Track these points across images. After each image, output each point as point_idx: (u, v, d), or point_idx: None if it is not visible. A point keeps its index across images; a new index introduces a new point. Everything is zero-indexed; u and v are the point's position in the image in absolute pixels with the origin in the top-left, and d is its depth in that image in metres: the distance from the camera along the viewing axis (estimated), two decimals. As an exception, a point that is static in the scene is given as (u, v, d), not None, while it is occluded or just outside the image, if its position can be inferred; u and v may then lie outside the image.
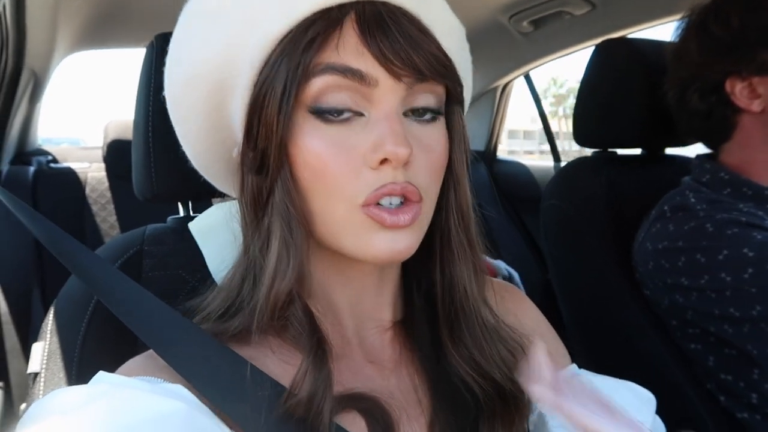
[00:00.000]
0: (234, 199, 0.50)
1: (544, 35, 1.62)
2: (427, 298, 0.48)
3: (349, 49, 0.40)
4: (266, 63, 0.42)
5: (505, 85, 2.08)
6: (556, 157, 2.01)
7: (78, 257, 0.49)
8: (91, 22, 1.54)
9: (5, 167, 1.73)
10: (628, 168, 1.02)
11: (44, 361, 0.55)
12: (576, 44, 1.62)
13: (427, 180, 0.42)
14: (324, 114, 0.41)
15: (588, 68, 1.03)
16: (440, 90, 0.44)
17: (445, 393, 0.45)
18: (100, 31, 1.63)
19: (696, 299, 0.77)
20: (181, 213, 0.68)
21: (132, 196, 0.64)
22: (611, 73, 1.00)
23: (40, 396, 0.54)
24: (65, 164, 1.97)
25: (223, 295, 0.45)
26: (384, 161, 0.39)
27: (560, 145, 2.09)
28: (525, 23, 1.58)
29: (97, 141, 2.11)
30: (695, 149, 0.97)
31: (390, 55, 0.40)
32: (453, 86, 0.45)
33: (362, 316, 0.48)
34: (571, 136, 1.07)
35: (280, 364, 0.42)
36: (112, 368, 0.42)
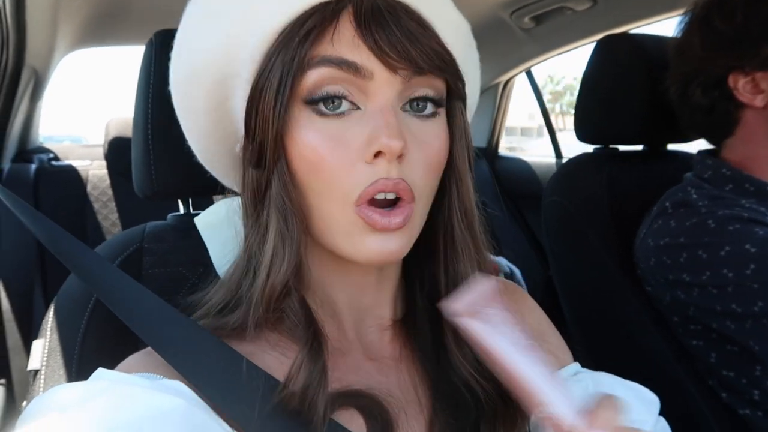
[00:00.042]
0: (236, 195, 0.51)
1: (546, 31, 1.62)
2: (430, 296, 0.48)
3: (344, 41, 0.40)
4: (265, 57, 0.42)
5: (507, 82, 2.08)
6: (558, 153, 2.01)
7: (77, 256, 0.49)
8: (91, 19, 1.54)
9: (7, 165, 1.73)
10: (630, 164, 1.02)
11: (44, 359, 0.55)
12: (578, 40, 1.61)
13: (422, 176, 0.42)
14: (319, 105, 0.41)
15: (589, 64, 1.03)
16: (439, 84, 0.43)
17: (445, 393, 0.45)
18: (101, 28, 1.63)
19: (698, 295, 0.76)
20: (182, 210, 0.68)
21: (133, 194, 0.64)
22: (613, 69, 0.99)
23: (41, 393, 0.54)
24: (67, 162, 1.97)
25: (224, 289, 0.45)
26: (378, 154, 0.39)
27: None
28: (526, 19, 1.58)
29: (98, 138, 2.11)
30: (697, 145, 0.97)
31: (386, 47, 0.40)
32: (453, 81, 0.44)
33: (362, 313, 0.48)
34: (567, 133, 1.06)
35: (278, 358, 0.43)
36: (111, 365, 0.42)
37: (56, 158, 2.05)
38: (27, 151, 1.99)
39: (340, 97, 0.41)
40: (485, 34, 1.66)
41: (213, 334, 0.42)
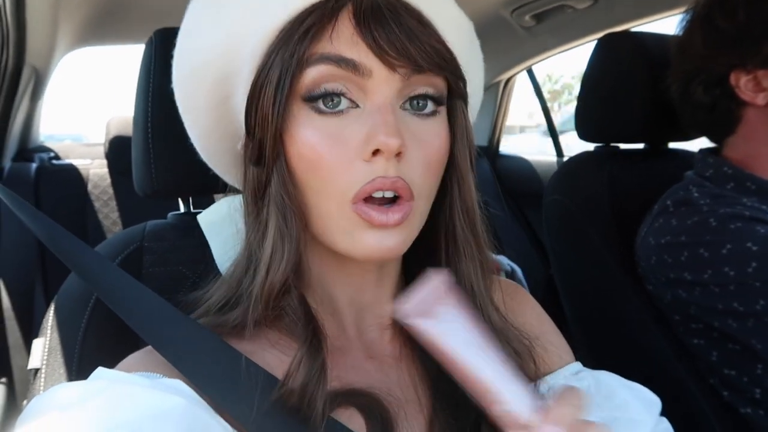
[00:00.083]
0: (238, 193, 0.51)
1: (547, 29, 1.61)
2: None
3: (343, 39, 0.40)
4: (266, 54, 0.42)
5: (508, 80, 2.08)
6: (559, 152, 2.01)
7: (77, 255, 0.49)
8: (91, 18, 1.54)
9: (7, 164, 1.73)
10: (631, 162, 1.02)
11: (45, 357, 0.55)
12: (579, 38, 1.61)
13: (421, 175, 0.41)
14: (318, 102, 0.41)
15: (590, 62, 1.03)
16: (439, 83, 0.43)
17: (445, 392, 0.45)
18: (101, 27, 1.63)
19: (699, 294, 0.76)
20: (182, 209, 0.68)
21: (134, 193, 0.64)
22: (614, 67, 0.99)
23: (41, 392, 0.54)
24: (67, 161, 1.97)
25: (225, 287, 0.45)
26: (376, 152, 0.39)
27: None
28: (527, 17, 1.57)
29: (99, 137, 2.11)
30: (698, 143, 0.97)
31: (384, 45, 0.39)
32: (454, 80, 0.44)
33: (362, 311, 0.48)
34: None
35: (278, 356, 0.43)
36: (112, 364, 0.42)
37: (57, 157, 2.05)
38: (28, 150, 1.99)
39: (339, 95, 0.41)
40: (486, 32, 1.65)
41: (213, 332, 0.42)
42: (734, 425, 0.78)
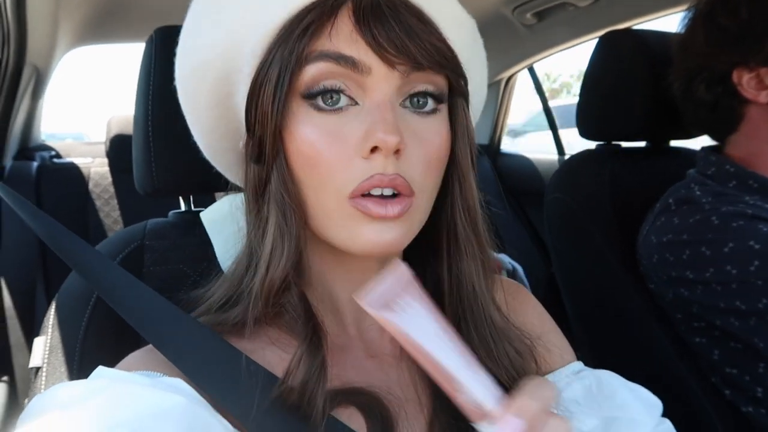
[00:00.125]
0: (239, 191, 0.51)
1: (548, 27, 1.61)
2: (433, 296, 0.47)
3: (342, 36, 0.40)
4: (266, 52, 0.42)
5: (509, 78, 2.07)
6: (561, 150, 2.00)
7: (78, 254, 0.49)
8: (92, 17, 1.54)
9: (9, 163, 1.74)
10: (632, 161, 1.02)
11: (46, 356, 0.55)
12: (580, 36, 1.61)
13: (421, 173, 0.41)
14: (317, 99, 0.41)
15: (592, 60, 1.03)
16: (440, 81, 0.43)
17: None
18: (102, 26, 1.63)
19: (701, 292, 0.76)
20: (183, 207, 0.68)
21: (135, 191, 0.64)
22: (615, 65, 0.99)
23: (42, 390, 0.54)
24: (68, 159, 1.97)
25: (226, 285, 0.45)
26: (375, 150, 0.39)
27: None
28: (528, 15, 1.57)
29: (100, 136, 2.11)
30: (700, 142, 0.97)
31: (384, 42, 0.39)
32: (454, 78, 0.44)
33: (362, 310, 0.47)
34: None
35: (278, 354, 0.42)
36: (113, 362, 0.42)
37: (58, 156, 2.05)
38: (29, 148, 1.99)
39: (338, 91, 0.41)
40: (487, 30, 1.64)
41: (213, 330, 0.42)
42: (736, 424, 0.77)
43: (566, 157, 1.94)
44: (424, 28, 0.41)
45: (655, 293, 0.85)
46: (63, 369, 0.54)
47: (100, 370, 0.39)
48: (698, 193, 0.81)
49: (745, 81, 0.78)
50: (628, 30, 1.04)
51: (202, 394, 0.39)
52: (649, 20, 1.39)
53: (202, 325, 0.42)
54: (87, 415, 0.33)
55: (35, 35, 1.36)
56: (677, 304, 0.81)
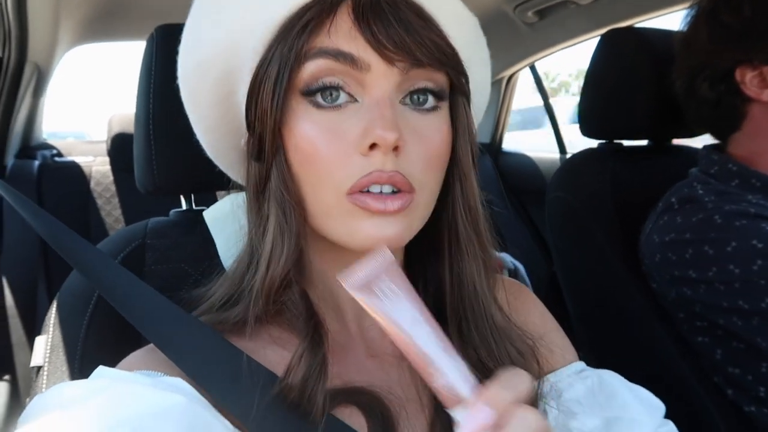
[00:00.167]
0: (240, 190, 0.51)
1: (550, 25, 1.61)
2: (435, 296, 0.47)
3: (341, 33, 0.40)
4: (266, 49, 0.42)
5: (511, 77, 2.07)
6: (562, 149, 2.00)
7: (79, 252, 0.49)
8: (93, 15, 1.54)
9: (10, 161, 1.74)
10: (634, 159, 1.01)
11: (47, 355, 0.55)
12: (582, 34, 1.60)
13: (421, 170, 0.41)
14: (316, 96, 0.40)
15: (594, 58, 1.02)
16: (440, 78, 0.43)
17: None
18: (103, 24, 1.63)
19: (704, 292, 0.76)
20: (184, 206, 0.68)
21: (137, 190, 0.64)
22: (618, 63, 0.98)
23: (43, 389, 0.54)
24: (70, 158, 1.97)
25: (227, 284, 0.45)
26: (373, 147, 0.39)
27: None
28: (530, 13, 1.57)
29: (102, 135, 2.11)
30: (702, 140, 0.96)
31: (383, 39, 0.39)
32: (455, 75, 0.44)
33: (364, 309, 0.47)
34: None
35: (280, 352, 0.42)
36: (114, 361, 0.42)
37: (59, 154, 2.05)
38: (30, 147, 1.99)
39: (337, 88, 0.40)
40: (488, 28, 1.63)
41: (214, 330, 0.42)
42: (738, 424, 0.77)
43: (568, 155, 1.94)
44: (424, 24, 0.41)
45: (657, 292, 0.85)
46: (64, 368, 0.54)
47: (101, 369, 0.39)
48: (701, 191, 0.81)
49: (748, 79, 0.78)
50: (631, 28, 1.04)
51: (202, 394, 0.39)
52: (652, 18, 1.38)
53: (203, 324, 0.42)
54: (87, 415, 0.33)
55: (36, 33, 1.36)
56: (680, 304, 0.81)
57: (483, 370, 0.44)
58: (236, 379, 0.39)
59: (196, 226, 0.62)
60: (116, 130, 1.93)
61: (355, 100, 0.41)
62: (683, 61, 0.85)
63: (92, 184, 1.87)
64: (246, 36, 0.43)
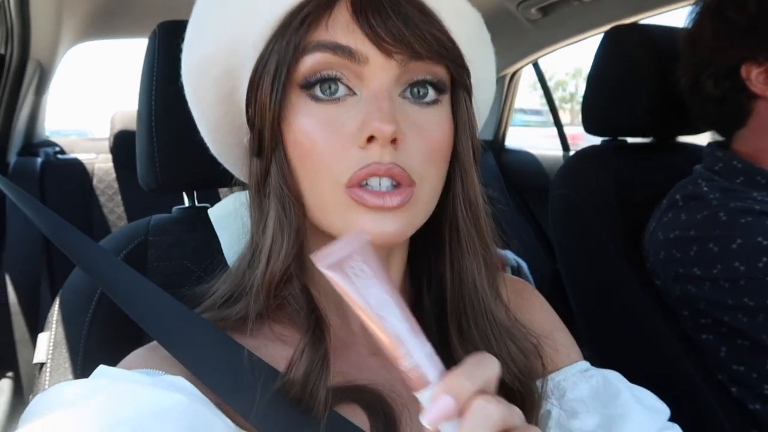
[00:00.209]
0: (242, 186, 0.51)
1: (553, 22, 1.60)
2: (436, 295, 0.47)
3: (339, 26, 0.40)
4: (266, 45, 0.42)
5: (514, 74, 2.06)
6: (565, 146, 1.99)
7: (82, 250, 0.49)
8: (95, 12, 1.54)
9: (13, 159, 1.74)
10: (638, 156, 1.01)
11: (50, 351, 0.55)
12: (585, 31, 1.59)
13: (421, 163, 0.41)
14: (315, 89, 0.40)
15: (597, 55, 1.02)
16: (440, 71, 0.42)
17: None
18: (105, 21, 1.63)
19: (709, 289, 0.76)
20: (186, 203, 0.67)
21: (139, 187, 0.64)
22: (621, 60, 0.98)
23: (46, 386, 0.54)
24: (72, 155, 1.97)
25: (230, 280, 0.45)
26: (371, 139, 0.39)
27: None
28: (533, 10, 1.56)
29: (104, 132, 2.11)
30: (706, 138, 0.96)
31: (381, 31, 0.39)
32: (455, 69, 0.43)
33: None
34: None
35: (283, 349, 0.42)
36: (117, 358, 0.42)
37: (62, 152, 2.06)
38: (33, 144, 1.99)
39: (335, 80, 0.40)
40: (491, 25, 1.63)
41: (216, 326, 0.42)
42: (743, 421, 0.77)
43: (571, 153, 1.93)
44: (424, 19, 0.41)
45: (661, 290, 0.85)
46: (67, 365, 0.54)
47: (102, 368, 0.39)
48: (705, 189, 0.81)
49: (753, 76, 0.78)
50: (634, 25, 1.04)
51: (204, 392, 0.39)
52: (655, 15, 1.37)
53: (205, 321, 0.42)
54: (88, 414, 0.33)
55: (39, 31, 1.36)
56: (684, 301, 0.81)
57: None
58: (238, 375, 0.39)
59: (198, 223, 0.62)
60: (119, 127, 1.93)
61: (354, 93, 0.41)
62: (688, 57, 0.84)
63: (95, 182, 1.87)
64: (247, 33, 0.43)
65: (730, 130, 0.85)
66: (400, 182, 0.39)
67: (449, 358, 0.44)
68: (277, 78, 0.40)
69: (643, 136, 1.04)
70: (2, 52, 1.38)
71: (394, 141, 0.39)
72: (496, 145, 2.16)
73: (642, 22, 1.34)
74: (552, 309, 0.56)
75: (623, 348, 0.93)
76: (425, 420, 0.30)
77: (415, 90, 0.42)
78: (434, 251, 0.47)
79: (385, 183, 0.39)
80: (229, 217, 0.54)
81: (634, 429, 0.47)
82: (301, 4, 0.41)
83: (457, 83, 0.45)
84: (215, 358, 0.40)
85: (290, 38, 0.40)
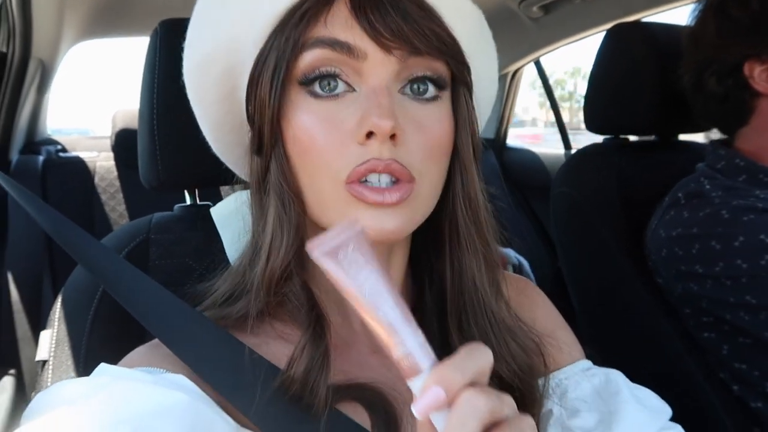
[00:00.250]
0: (244, 184, 0.51)
1: (555, 20, 1.60)
2: (437, 294, 0.47)
3: (338, 23, 0.40)
4: (265, 42, 0.42)
5: (515, 72, 2.06)
6: (567, 144, 1.99)
7: (83, 247, 0.49)
8: (97, 11, 1.54)
9: (15, 157, 1.74)
10: (640, 155, 1.01)
11: (52, 349, 0.55)
12: (587, 29, 1.59)
13: (421, 160, 0.41)
14: (314, 86, 0.40)
15: (599, 53, 1.01)
16: (439, 67, 0.42)
17: None
18: (107, 20, 1.63)
19: (711, 287, 0.75)
20: (188, 201, 0.67)
21: (141, 185, 0.64)
22: (623, 58, 0.98)
23: (49, 383, 0.54)
24: (74, 153, 1.98)
25: (231, 278, 0.45)
26: (370, 135, 0.38)
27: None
28: (535, 8, 1.56)
29: (106, 130, 2.11)
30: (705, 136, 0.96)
31: (380, 26, 0.39)
32: (455, 65, 0.43)
33: None
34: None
35: (284, 347, 0.42)
36: (119, 355, 0.42)
37: (64, 150, 2.06)
38: (35, 142, 2.00)
39: (334, 76, 0.40)
40: (493, 23, 1.63)
41: (218, 324, 0.42)
42: (744, 419, 0.77)
43: (573, 151, 1.93)
44: (422, 14, 0.41)
45: (663, 288, 0.84)
46: (69, 362, 0.54)
47: (103, 367, 0.39)
48: (708, 186, 0.80)
49: (756, 73, 0.77)
50: (636, 22, 1.03)
51: (205, 390, 0.39)
52: (658, 12, 1.37)
53: (207, 319, 0.42)
54: (89, 412, 0.33)
55: (40, 29, 1.36)
56: (686, 299, 0.81)
57: None
58: (239, 373, 0.39)
59: (200, 221, 0.62)
60: (120, 125, 1.93)
61: (353, 90, 0.41)
62: (691, 55, 0.84)
63: (96, 180, 1.87)
64: (247, 31, 0.43)
65: (732, 128, 0.85)
66: (400, 178, 0.39)
67: (449, 355, 0.44)
68: (276, 74, 0.40)
69: (645, 134, 1.04)
70: (4, 50, 1.38)
71: (393, 137, 0.39)
72: (497, 143, 2.15)
73: (644, 20, 1.34)
74: (554, 307, 0.56)
75: (625, 346, 0.93)
76: (415, 410, 0.30)
77: (415, 86, 0.42)
78: (435, 249, 0.47)
79: (385, 179, 0.39)
80: (231, 216, 0.54)
81: (633, 429, 0.47)
82: (301, 1, 0.41)
83: (457, 80, 0.44)
84: (216, 355, 0.40)
85: (289, 34, 0.40)
